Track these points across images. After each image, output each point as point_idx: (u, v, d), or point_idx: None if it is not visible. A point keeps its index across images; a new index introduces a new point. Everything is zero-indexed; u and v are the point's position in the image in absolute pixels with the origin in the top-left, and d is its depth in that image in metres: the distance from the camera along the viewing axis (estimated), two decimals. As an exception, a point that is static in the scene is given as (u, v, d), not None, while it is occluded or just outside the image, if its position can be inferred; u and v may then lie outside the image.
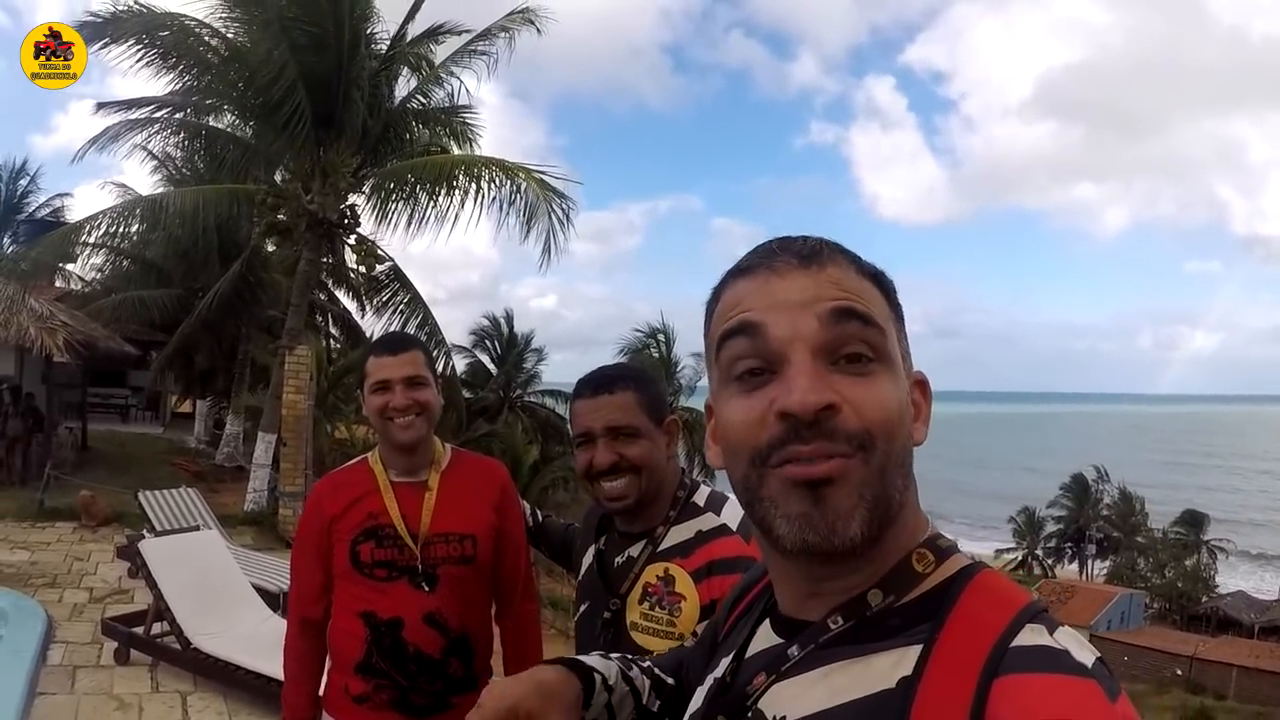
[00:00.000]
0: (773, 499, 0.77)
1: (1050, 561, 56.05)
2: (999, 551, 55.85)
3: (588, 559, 1.91)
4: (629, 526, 1.84)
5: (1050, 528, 57.08)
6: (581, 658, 1.08)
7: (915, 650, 0.74)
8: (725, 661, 0.93)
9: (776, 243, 0.85)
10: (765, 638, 0.88)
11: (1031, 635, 0.71)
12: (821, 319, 0.78)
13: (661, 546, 1.78)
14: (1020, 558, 56.00)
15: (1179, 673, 35.08)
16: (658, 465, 1.78)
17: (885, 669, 0.74)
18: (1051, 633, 0.72)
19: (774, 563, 0.88)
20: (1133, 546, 52.71)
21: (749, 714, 0.83)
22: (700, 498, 1.84)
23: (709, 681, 0.94)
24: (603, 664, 1.08)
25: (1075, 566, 56.19)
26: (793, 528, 0.76)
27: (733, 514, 1.76)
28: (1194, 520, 54.38)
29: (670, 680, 1.13)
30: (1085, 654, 0.70)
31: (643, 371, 1.94)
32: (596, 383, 1.81)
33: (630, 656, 1.17)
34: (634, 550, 1.80)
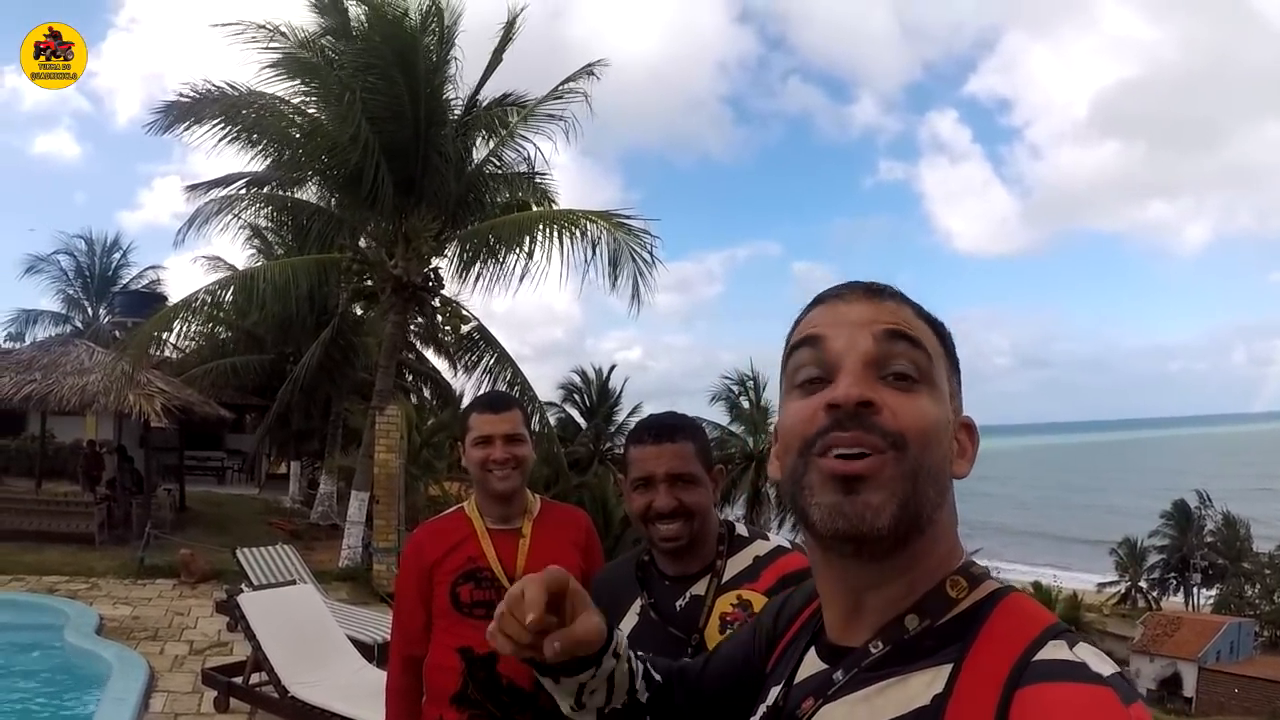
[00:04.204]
0: (811, 487, 0.85)
1: (1155, 593, 53.79)
2: (1101, 585, 53.87)
3: (633, 616, 1.95)
4: (682, 569, 1.91)
5: (1153, 558, 54.79)
6: None
7: (947, 669, 0.81)
8: (776, 690, 0.99)
9: (850, 282, 0.96)
10: (812, 664, 0.95)
11: (1053, 650, 0.77)
12: (876, 337, 0.88)
13: (726, 578, 1.87)
14: (1124, 591, 53.96)
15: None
16: (707, 510, 1.89)
17: (921, 688, 0.81)
18: (1072, 647, 0.77)
19: (819, 567, 0.95)
20: (1239, 573, 50.30)
21: None
22: (742, 531, 1.97)
23: (760, 711, 1.00)
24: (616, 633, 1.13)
25: (1180, 597, 53.82)
26: (824, 514, 0.84)
27: (781, 539, 1.87)
28: (1303, 542, 51.71)
29: (659, 678, 1.17)
30: (1103, 666, 0.76)
31: (696, 422, 2.02)
32: (658, 431, 1.91)
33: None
34: (697, 589, 1.88)
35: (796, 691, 0.94)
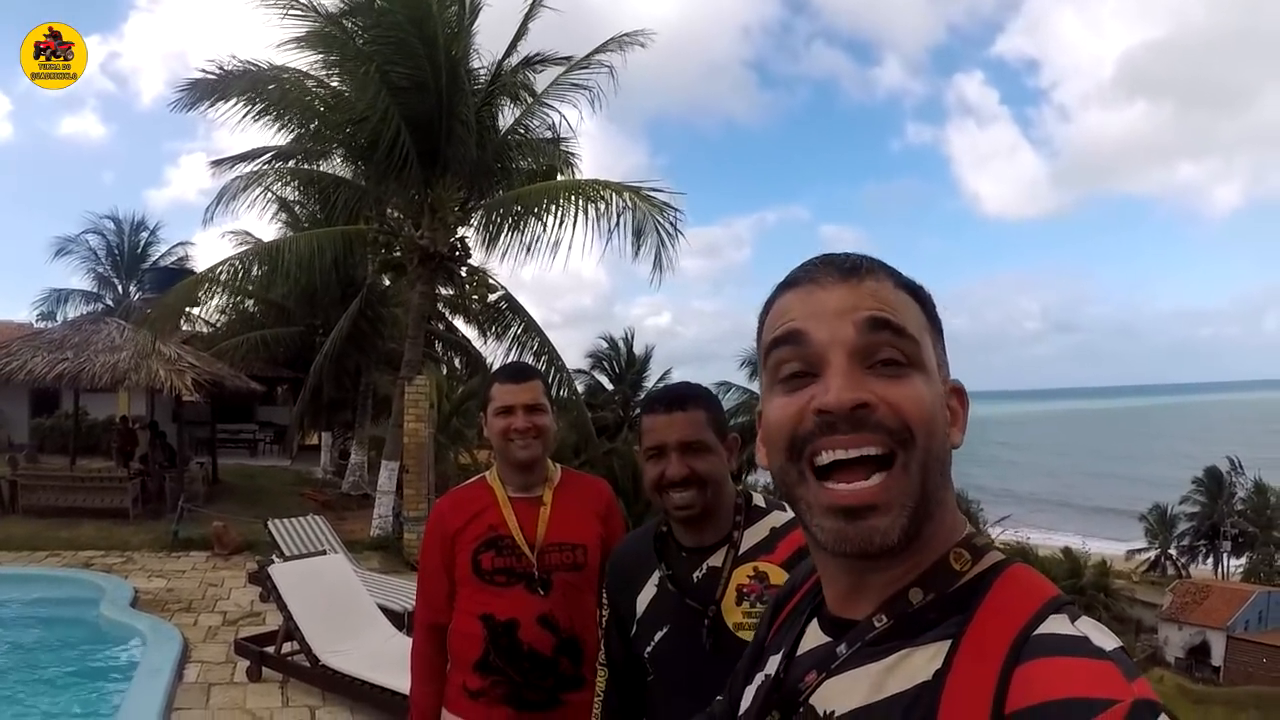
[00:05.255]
0: (810, 507, 0.84)
1: (1184, 561, 53.42)
2: (1131, 553, 53.55)
3: (651, 587, 1.97)
4: (698, 540, 1.92)
5: (1183, 525, 54.35)
6: None
7: (949, 643, 0.79)
8: (775, 660, 0.98)
9: (820, 259, 0.91)
10: (814, 637, 0.94)
11: (1054, 624, 0.76)
12: (858, 326, 0.84)
13: (743, 549, 1.88)
14: (1153, 558, 53.62)
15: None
16: (721, 479, 1.89)
17: (923, 662, 0.80)
18: (1073, 621, 0.76)
19: (820, 558, 0.93)
20: (1269, 542, 49.82)
21: (800, 710, 0.89)
22: (760, 502, 1.97)
23: (758, 680, 1.00)
24: None
25: (1210, 565, 53.42)
26: (830, 538, 0.83)
27: None
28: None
29: None
30: (1105, 640, 0.75)
31: (709, 391, 2.02)
32: (669, 400, 1.92)
33: None
34: (714, 560, 1.89)
35: (798, 664, 0.94)
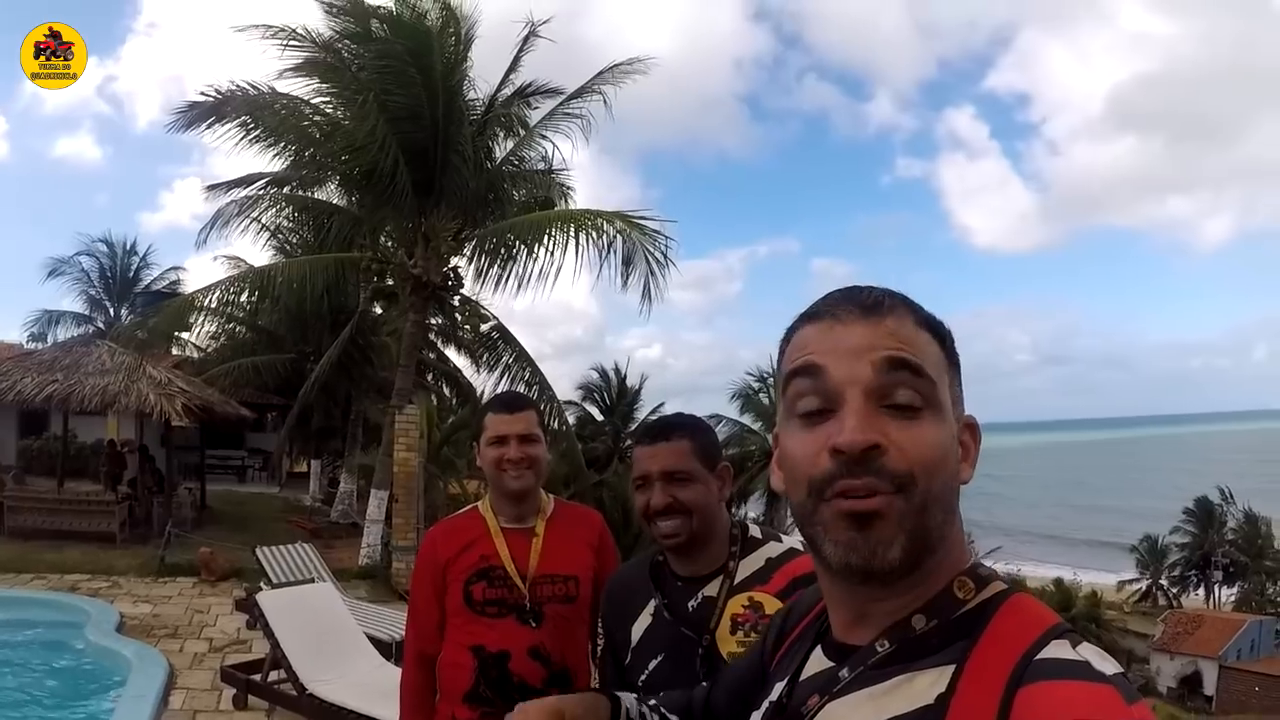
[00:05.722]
0: (824, 524, 0.86)
1: (1175, 591, 53.39)
2: (1122, 583, 53.49)
3: (646, 616, 1.97)
4: (693, 569, 1.94)
5: (1174, 555, 54.37)
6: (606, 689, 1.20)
7: (951, 669, 0.81)
8: (780, 686, 1.00)
9: (842, 293, 0.93)
10: (818, 662, 0.96)
11: (1056, 649, 0.78)
12: (876, 366, 0.86)
13: (738, 579, 1.90)
14: (1144, 588, 53.57)
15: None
16: (708, 507, 1.90)
17: (925, 686, 0.81)
18: (1074, 647, 0.78)
19: (827, 584, 0.96)
20: (1261, 571, 49.87)
21: None
22: (756, 533, 1.99)
23: (764, 705, 1.01)
24: (625, 696, 1.19)
25: (1201, 595, 53.39)
26: (838, 550, 0.85)
27: (795, 540, 1.86)
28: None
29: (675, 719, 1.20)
30: (1106, 665, 0.76)
31: (698, 421, 2.05)
32: (655, 431, 1.96)
33: (641, 696, 1.28)
34: (709, 590, 1.90)
35: (802, 688, 0.95)
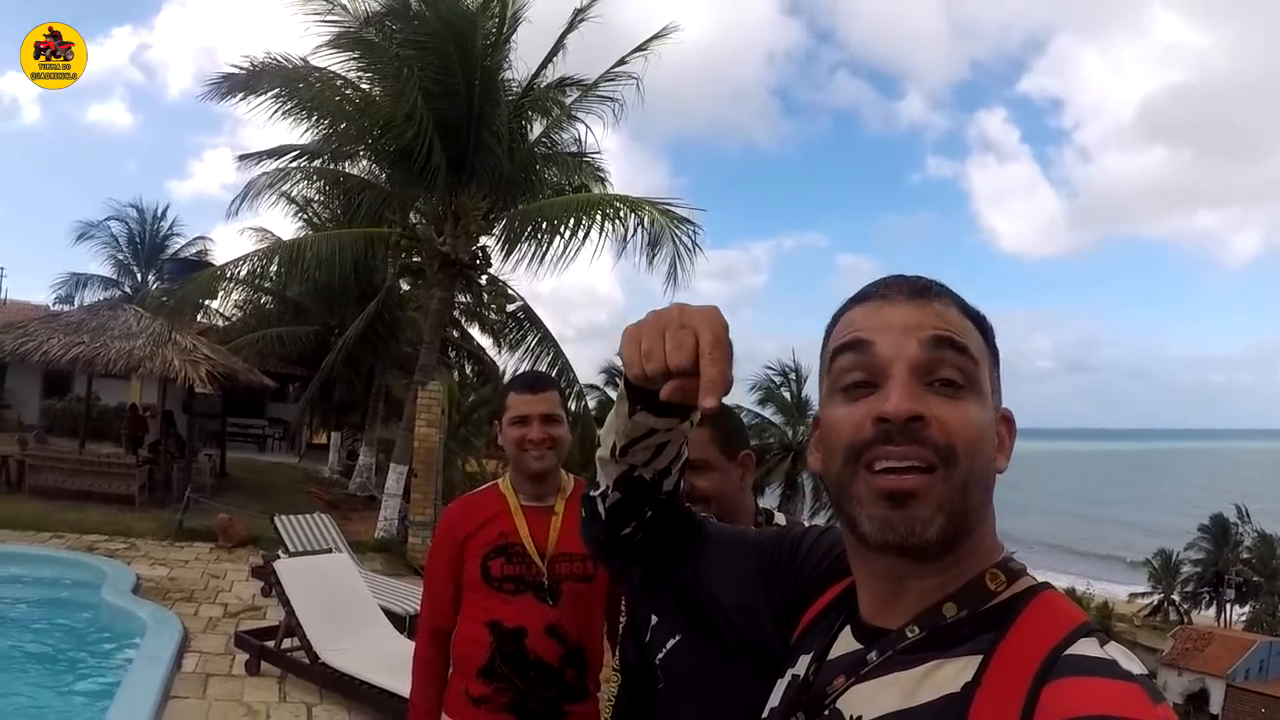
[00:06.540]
0: (860, 499, 0.87)
1: (1186, 607, 53.00)
2: (1133, 595, 53.18)
3: None
4: None
5: (1187, 570, 53.97)
6: None
7: (979, 659, 0.82)
8: (805, 660, 1.00)
9: (892, 277, 0.95)
10: (846, 643, 0.96)
11: (1083, 647, 0.79)
12: (922, 343, 0.88)
13: None
14: (1156, 602, 53.22)
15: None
16: (729, 495, 1.92)
17: (952, 675, 0.82)
18: (1102, 646, 0.79)
19: (859, 563, 0.96)
20: (1273, 591, 49.43)
21: (826, 712, 0.91)
22: (780, 520, 2.01)
23: (788, 677, 1.02)
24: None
25: (1213, 612, 52.99)
26: (874, 526, 0.86)
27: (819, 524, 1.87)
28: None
29: (681, 502, 1.21)
30: (1132, 665, 0.77)
31: (723, 408, 2.04)
32: None
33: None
34: None
35: (828, 668, 0.96)
